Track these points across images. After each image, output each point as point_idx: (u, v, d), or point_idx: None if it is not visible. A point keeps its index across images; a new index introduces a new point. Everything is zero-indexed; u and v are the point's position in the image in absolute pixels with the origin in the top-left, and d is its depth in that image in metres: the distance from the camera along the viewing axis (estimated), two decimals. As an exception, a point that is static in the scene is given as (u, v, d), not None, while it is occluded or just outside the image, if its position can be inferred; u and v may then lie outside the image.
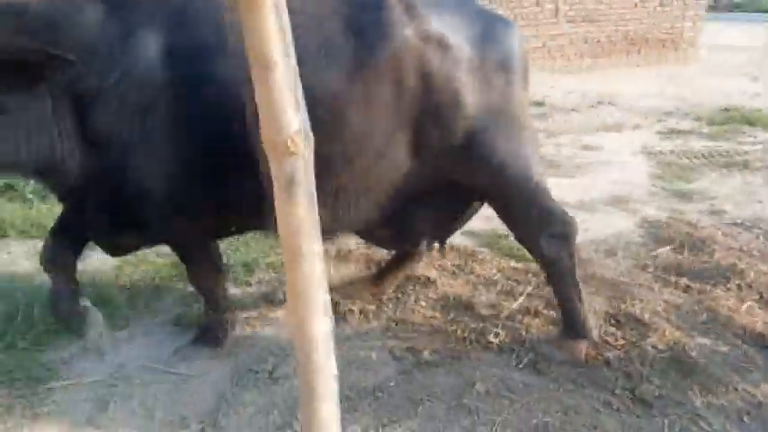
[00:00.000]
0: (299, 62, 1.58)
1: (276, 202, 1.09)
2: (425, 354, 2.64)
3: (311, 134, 1.00)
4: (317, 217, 1.04)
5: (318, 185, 1.81)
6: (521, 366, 2.55)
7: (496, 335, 2.75)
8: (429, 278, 3.26)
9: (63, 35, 2.03)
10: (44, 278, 2.80)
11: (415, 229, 2.66)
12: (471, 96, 2.28)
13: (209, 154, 2.18)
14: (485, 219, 3.99)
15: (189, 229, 2.48)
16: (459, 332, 2.80)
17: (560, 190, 3.62)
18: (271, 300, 3.12)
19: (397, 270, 3.12)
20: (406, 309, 3.01)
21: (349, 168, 2.30)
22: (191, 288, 2.95)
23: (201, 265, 2.68)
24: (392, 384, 2.48)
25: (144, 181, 2.20)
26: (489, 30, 2.37)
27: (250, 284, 3.34)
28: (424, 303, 3.06)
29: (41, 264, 2.64)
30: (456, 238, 3.77)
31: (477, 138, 2.32)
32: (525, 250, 2.81)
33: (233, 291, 3.21)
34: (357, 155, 2.27)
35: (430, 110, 2.25)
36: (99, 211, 2.32)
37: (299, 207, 1.06)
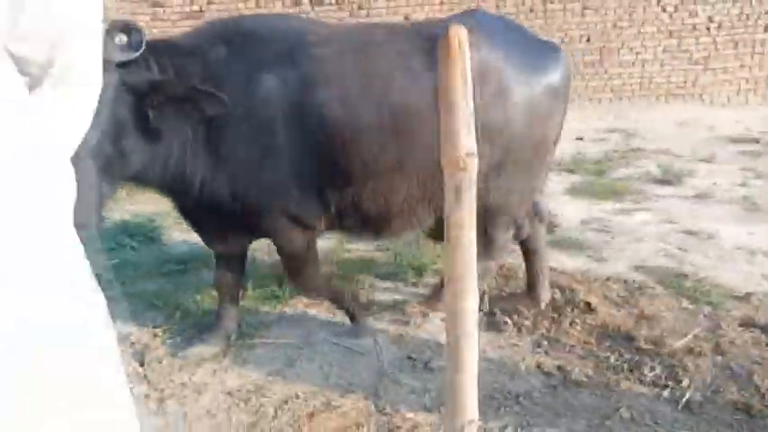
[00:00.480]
0: (388, 86, 2.38)
1: (446, 204, 1.41)
2: (574, 373, 2.73)
3: (476, 154, 1.29)
4: (474, 215, 1.33)
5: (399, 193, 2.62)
6: (673, 402, 2.51)
7: (652, 369, 2.73)
8: (590, 305, 3.30)
9: (205, 72, 2.38)
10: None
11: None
12: (519, 118, 2.53)
13: (318, 167, 2.54)
14: (665, 256, 3.90)
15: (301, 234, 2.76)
16: (612, 360, 2.83)
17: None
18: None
19: (535, 272, 3.30)
20: (561, 329, 3.11)
21: (423, 176, 2.62)
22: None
23: (316, 265, 2.97)
24: (536, 395, 2.62)
25: (262, 191, 2.56)
26: (539, 57, 2.62)
27: (418, 286, 3.72)
28: (579, 328, 3.12)
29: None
30: (627, 272, 3.76)
31: (510, 157, 2.61)
32: (701, 292, 3.06)
33: (403, 290, 3.63)
34: (430, 165, 2.47)
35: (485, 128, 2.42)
36: (217, 218, 2.67)
37: (463, 209, 1.36)
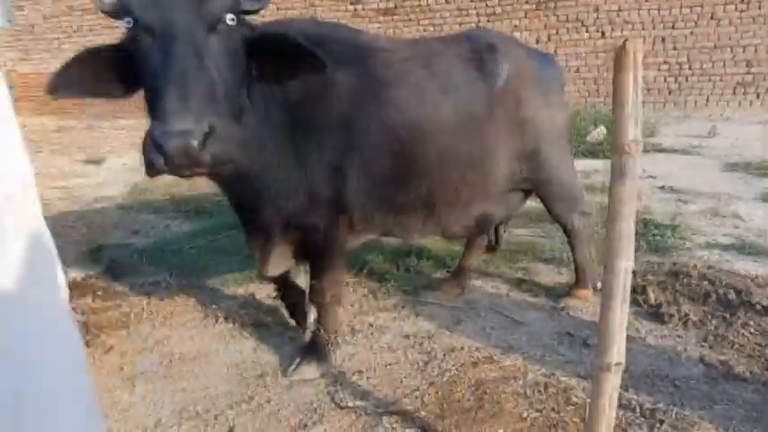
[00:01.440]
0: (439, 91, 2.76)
1: (611, 181, 1.68)
2: (738, 368, 2.74)
3: (641, 142, 1.54)
4: (635, 193, 1.59)
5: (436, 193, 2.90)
6: None
7: (830, 378, 2.63)
8: (765, 307, 3.21)
9: None
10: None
11: (490, 222, 3.43)
12: (541, 112, 3.05)
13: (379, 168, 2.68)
14: None
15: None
16: (784, 364, 2.77)
17: None
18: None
19: (467, 265, 3.76)
20: (732, 329, 3.08)
21: (462, 177, 2.90)
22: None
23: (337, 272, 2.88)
24: (693, 382, 2.70)
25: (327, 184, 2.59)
26: (546, 64, 3.24)
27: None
28: (753, 330, 3.07)
29: None
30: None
31: (542, 144, 3.09)
32: None
33: (565, 273, 3.84)
34: (470, 166, 2.91)
35: (518, 125, 2.98)
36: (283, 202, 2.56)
37: (625, 188, 1.62)
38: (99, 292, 3.84)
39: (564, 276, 3.85)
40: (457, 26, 9.91)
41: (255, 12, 2.14)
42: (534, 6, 9.59)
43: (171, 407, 2.65)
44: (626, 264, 1.62)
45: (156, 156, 1.77)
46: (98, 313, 3.54)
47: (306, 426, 2.48)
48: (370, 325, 3.36)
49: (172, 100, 1.76)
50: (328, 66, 2.13)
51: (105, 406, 2.65)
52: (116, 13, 1.97)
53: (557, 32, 9.56)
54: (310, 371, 2.84)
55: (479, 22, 9.85)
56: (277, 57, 2.14)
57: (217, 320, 3.47)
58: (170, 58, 1.82)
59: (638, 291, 3.50)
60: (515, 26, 9.70)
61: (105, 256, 4.58)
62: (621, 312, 1.67)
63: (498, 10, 9.79)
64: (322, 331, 2.92)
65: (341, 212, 2.68)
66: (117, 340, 3.26)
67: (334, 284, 2.87)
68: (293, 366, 2.87)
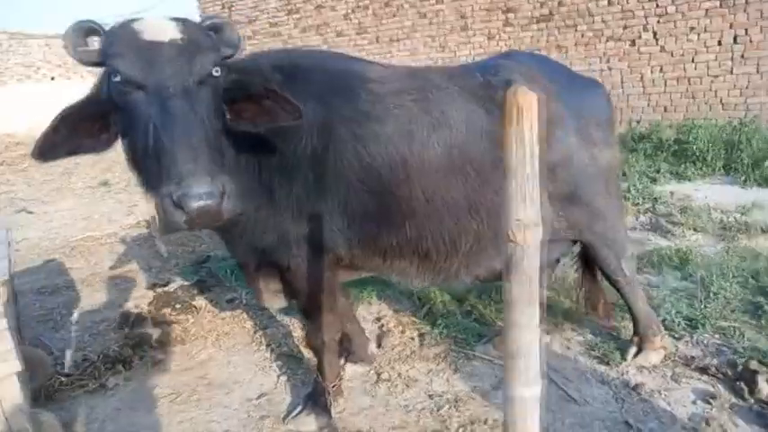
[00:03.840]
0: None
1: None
2: None
3: (536, 225, 1.09)
4: (533, 292, 1.14)
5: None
6: None
7: None
8: None
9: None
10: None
11: None
12: (578, 153, 2.63)
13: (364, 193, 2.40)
14: None
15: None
16: None
17: None
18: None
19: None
20: None
21: (490, 217, 2.52)
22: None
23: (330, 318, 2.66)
24: None
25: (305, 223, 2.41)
26: (590, 97, 2.80)
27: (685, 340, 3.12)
28: None
29: None
30: None
31: (580, 188, 2.67)
32: None
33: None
34: (496, 204, 2.42)
35: (548, 166, 2.45)
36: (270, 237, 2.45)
37: (515, 285, 1.19)
38: (177, 305, 4.14)
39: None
40: (621, 30, 8.83)
41: (230, 57, 2.09)
42: (718, 4, 8.09)
43: (170, 436, 2.71)
44: (526, 392, 1.17)
45: (179, 215, 1.77)
46: (166, 326, 3.81)
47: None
48: (399, 375, 3.08)
49: (185, 161, 1.77)
50: (301, 113, 2.06)
51: (121, 426, 2.82)
52: (96, 64, 2.02)
53: (746, 33, 7.93)
54: (308, 422, 2.68)
55: (647, 24, 8.63)
56: (253, 102, 2.09)
57: (259, 347, 3.50)
58: (171, 117, 1.81)
59: (743, 377, 2.69)
60: (692, 28, 8.29)
61: (207, 267, 4.95)
62: None
63: (671, 9, 8.45)
64: (320, 379, 2.75)
65: (321, 253, 2.47)
66: (166, 356, 3.47)
67: (325, 328, 2.65)
68: (293, 414, 2.75)
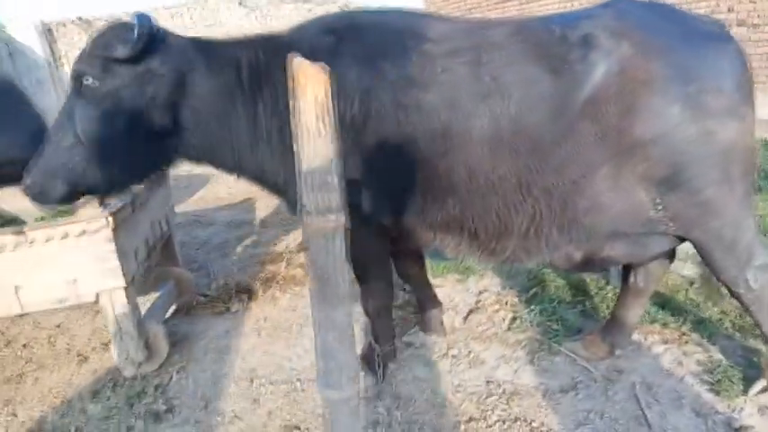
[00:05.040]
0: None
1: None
2: None
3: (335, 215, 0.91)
4: (338, 291, 0.96)
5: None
6: None
7: None
8: None
9: None
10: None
11: (605, 255, 2.38)
12: (681, 127, 2.04)
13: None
14: None
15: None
16: None
17: None
18: None
19: (622, 317, 2.75)
20: None
21: (548, 198, 2.21)
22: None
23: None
24: None
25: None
26: (710, 50, 2.12)
27: None
28: None
29: None
30: None
31: (685, 171, 2.09)
32: None
33: None
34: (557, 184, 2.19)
35: (633, 146, 2.08)
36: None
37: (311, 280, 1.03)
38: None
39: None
40: None
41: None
42: None
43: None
44: (333, 395, 1.05)
45: None
46: (299, 268, 4.20)
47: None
48: (469, 353, 2.92)
49: None
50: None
51: (218, 345, 3.28)
52: None
53: None
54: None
55: None
56: None
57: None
58: None
59: None
60: None
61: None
62: None
63: None
64: (373, 342, 2.77)
65: (365, 222, 2.31)
66: (282, 294, 3.86)
67: (375, 294, 2.66)
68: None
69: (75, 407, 2.79)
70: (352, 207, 2.33)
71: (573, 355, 2.79)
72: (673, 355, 2.72)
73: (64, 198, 2.39)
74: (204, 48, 2.36)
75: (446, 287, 3.66)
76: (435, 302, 3.14)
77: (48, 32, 16.36)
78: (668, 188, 2.13)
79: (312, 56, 2.02)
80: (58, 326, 3.68)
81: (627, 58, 2.04)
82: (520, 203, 2.23)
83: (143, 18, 2.15)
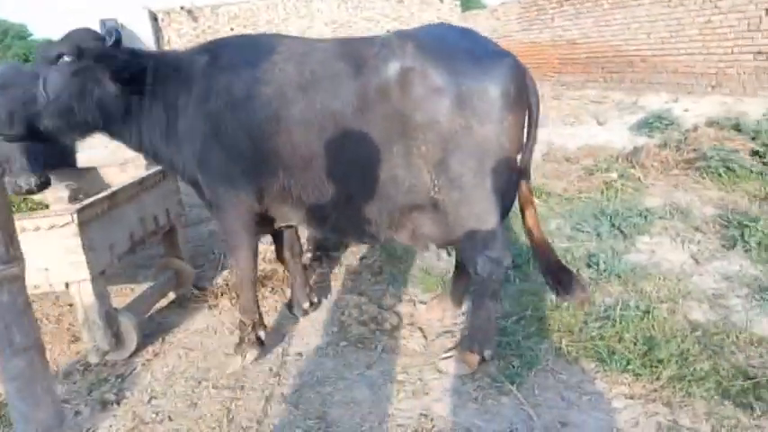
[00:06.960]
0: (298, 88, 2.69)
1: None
2: None
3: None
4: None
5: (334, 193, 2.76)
6: None
7: None
8: None
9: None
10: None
11: (421, 233, 2.82)
12: (448, 119, 2.50)
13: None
14: None
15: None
16: None
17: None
18: None
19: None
20: None
21: (355, 174, 2.69)
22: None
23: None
24: None
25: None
26: (484, 64, 2.54)
27: None
28: None
29: None
30: None
31: (449, 156, 2.54)
32: None
33: None
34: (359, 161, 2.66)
35: (416, 125, 2.53)
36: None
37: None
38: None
39: None
40: None
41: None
42: None
43: None
44: None
45: None
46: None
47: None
48: (419, 380, 2.77)
49: None
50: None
51: (194, 341, 3.38)
52: None
53: None
54: (237, 361, 3.06)
55: None
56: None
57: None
58: None
59: None
60: None
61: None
62: None
63: None
64: (241, 317, 3.11)
65: (226, 196, 2.87)
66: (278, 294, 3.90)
67: (241, 264, 3.00)
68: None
69: (45, 385, 3.01)
70: (222, 184, 2.88)
71: (522, 400, 2.56)
72: (632, 413, 2.41)
73: (16, 137, 2.86)
74: (135, 55, 2.90)
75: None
76: (303, 288, 3.59)
77: (154, 21, 17.73)
78: (441, 170, 2.55)
79: (191, 68, 2.85)
80: (71, 305, 3.99)
81: (412, 56, 2.52)
82: (334, 178, 2.68)
83: (112, 28, 2.80)
